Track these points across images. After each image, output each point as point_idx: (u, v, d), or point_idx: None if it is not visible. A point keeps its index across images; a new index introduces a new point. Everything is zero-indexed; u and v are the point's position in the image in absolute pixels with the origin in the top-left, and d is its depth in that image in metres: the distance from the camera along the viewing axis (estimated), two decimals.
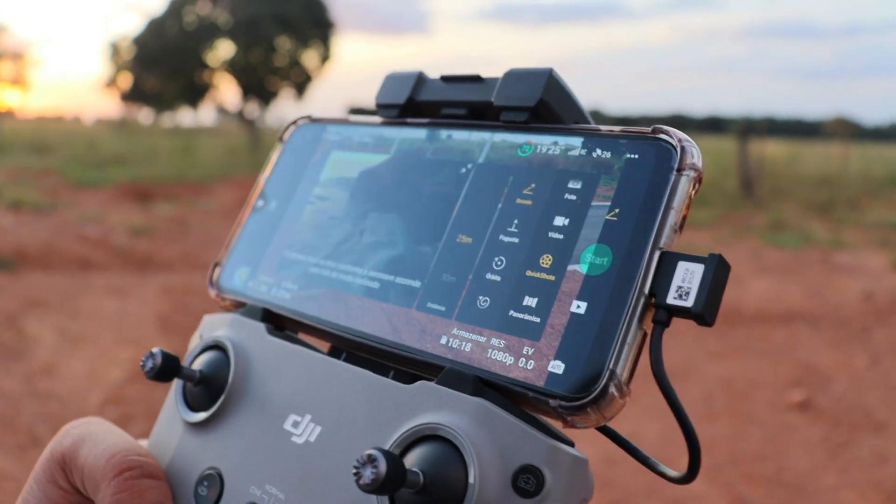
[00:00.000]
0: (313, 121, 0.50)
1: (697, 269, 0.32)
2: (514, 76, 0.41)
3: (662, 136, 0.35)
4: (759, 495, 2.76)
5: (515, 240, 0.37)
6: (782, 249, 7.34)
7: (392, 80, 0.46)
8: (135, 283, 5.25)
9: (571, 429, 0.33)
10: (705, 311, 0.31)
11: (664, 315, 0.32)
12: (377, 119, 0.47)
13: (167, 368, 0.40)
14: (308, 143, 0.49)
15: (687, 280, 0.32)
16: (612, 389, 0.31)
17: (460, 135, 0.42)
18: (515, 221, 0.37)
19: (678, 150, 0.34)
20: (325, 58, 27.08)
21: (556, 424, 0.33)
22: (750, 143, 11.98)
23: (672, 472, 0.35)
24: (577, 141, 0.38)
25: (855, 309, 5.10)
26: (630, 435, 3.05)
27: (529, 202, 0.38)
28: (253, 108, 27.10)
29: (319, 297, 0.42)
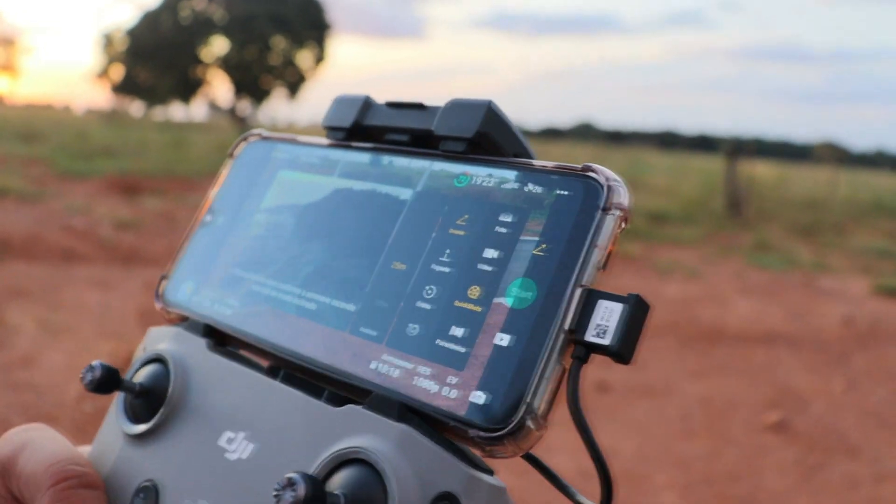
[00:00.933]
0: (264, 138, 0.51)
1: (616, 308, 0.33)
2: (454, 106, 0.42)
3: (591, 174, 0.36)
4: None
5: (447, 269, 0.38)
6: (766, 270, 7.40)
7: (340, 103, 0.47)
8: (119, 276, 5.23)
9: (491, 458, 0.34)
10: (622, 350, 0.32)
11: (582, 351, 0.33)
12: (324, 140, 0.47)
13: (107, 381, 0.40)
14: (257, 161, 0.50)
15: (605, 318, 0.33)
16: (529, 422, 0.32)
17: (401, 161, 0.43)
18: (448, 251, 0.38)
19: (605, 188, 0.35)
20: (319, 59, 27.08)
21: (478, 452, 0.34)
22: (738, 164, 12.06)
23: (587, 502, 0.36)
24: (511, 174, 0.39)
25: (835, 333, 5.15)
26: (608, 449, 3.05)
27: (463, 232, 0.38)
28: (245, 106, 27.04)
29: (260, 315, 0.43)
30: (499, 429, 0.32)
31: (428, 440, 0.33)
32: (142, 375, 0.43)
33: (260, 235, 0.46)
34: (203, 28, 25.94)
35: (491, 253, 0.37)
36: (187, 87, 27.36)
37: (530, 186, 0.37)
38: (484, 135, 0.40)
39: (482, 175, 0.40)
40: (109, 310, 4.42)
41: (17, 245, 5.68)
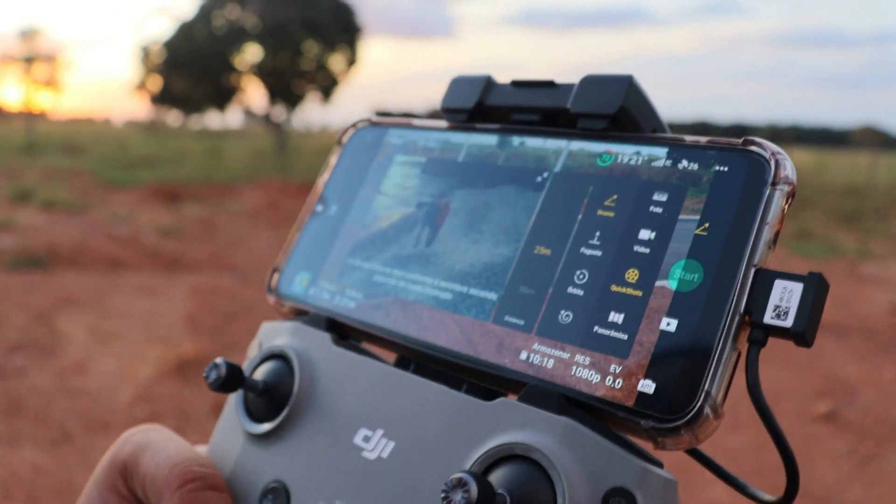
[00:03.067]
0: (373, 124, 0.49)
1: (796, 288, 0.31)
2: (591, 82, 0.40)
3: (754, 148, 0.34)
4: None
5: (598, 253, 0.36)
6: (808, 259, 7.28)
7: (459, 84, 0.45)
8: (163, 282, 5.32)
9: (660, 450, 0.32)
10: (805, 331, 0.30)
11: (760, 334, 0.31)
12: (443, 123, 0.45)
13: (231, 379, 0.39)
14: (368, 147, 0.48)
15: (785, 299, 0.31)
16: (707, 411, 0.30)
17: (534, 142, 0.41)
18: (597, 234, 0.36)
19: (772, 163, 0.33)
20: (351, 62, 27.20)
21: (645, 445, 0.32)
22: None
23: (766, 496, 0.34)
24: (661, 151, 0.37)
25: (882, 320, 5.05)
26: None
27: (612, 214, 0.36)
28: (280, 112, 27.28)
29: (386, 307, 0.41)
30: (675, 418, 0.30)
31: (594, 433, 0.31)
32: (262, 373, 0.42)
33: (381, 224, 0.44)
34: (237, 36, 26.23)
35: (647, 234, 0.35)
36: (222, 95, 27.68)
37: (684, 163, 0.35)
38: (625, 111, 0.38)
39: (628, 153, 0.37)
40: (156, 316, 4.50)
41: (65, 254, 5.81)
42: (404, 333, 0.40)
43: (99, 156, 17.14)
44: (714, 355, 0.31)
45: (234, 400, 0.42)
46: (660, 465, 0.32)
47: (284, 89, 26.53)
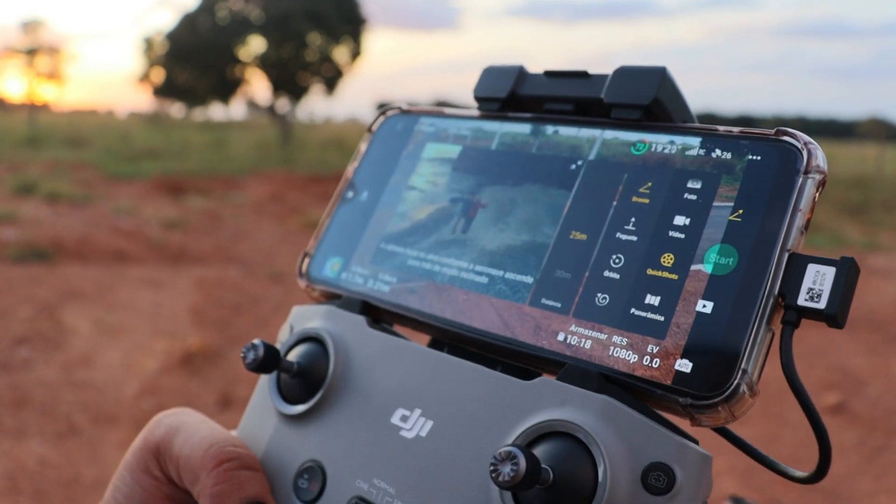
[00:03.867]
0: (404, 112, 0.49)
1: (829, 272, 0.32)
2: (625, 73, 0.41)
3: (787, 138, 0.35)
4: (794, 499, 2.73)
5: (633, 238, 0.37)
6: (816, 251, 7.24)
7: (491, 74, 0.46)
8: (169, 275, 5.32)
9: (696, 427, 0.33)
10: (838, 313, 0.31)
11: (794, 316, 0.32)
12: (474, 112, 0.46)
13: (268, 360, 0.39)
14: (399, 135, 0.48)
15: (818, 282, 0.32)
16: (744, 388, 0.31)
17: (567, 131, 0.42)
18: (633, 219, 0.37)
19: (804, 152, 0.34)
20: (355, 53, 27.16)
21: (681, 423, 0.33)
22: None
23: (797, 472, 0.35)
24: (694, 140, 0.38)
25: (890, 312, 5.03)
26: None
27: (646, 200, 0.37)
28: (283, 103, 27.27)
29: (421, 290, 0.42)
30: (713, 395, 0.31)
31: (632, 410, 0.32)
32: (296, 355, 0.42)
33: (412, 209, 0.45)
34: (240, 28, 26.19)
35: (681, 220, 0.36)
36: (226, 87, 27.67)
37: (718, 152, 0.37)
38: (658, 102, 0.39)
39: (662, 142, 0.39)
40: (161, 308, 4.50)
41: (70, 247, 5.81)
42: (440, 315, 0.40)
43: (102, 148, 17.15)
44: (749, 335, 0.32)
45: (266, 382, 0.43)
46: (696, 441, 0.33)
47: (288, 81, 26.50)
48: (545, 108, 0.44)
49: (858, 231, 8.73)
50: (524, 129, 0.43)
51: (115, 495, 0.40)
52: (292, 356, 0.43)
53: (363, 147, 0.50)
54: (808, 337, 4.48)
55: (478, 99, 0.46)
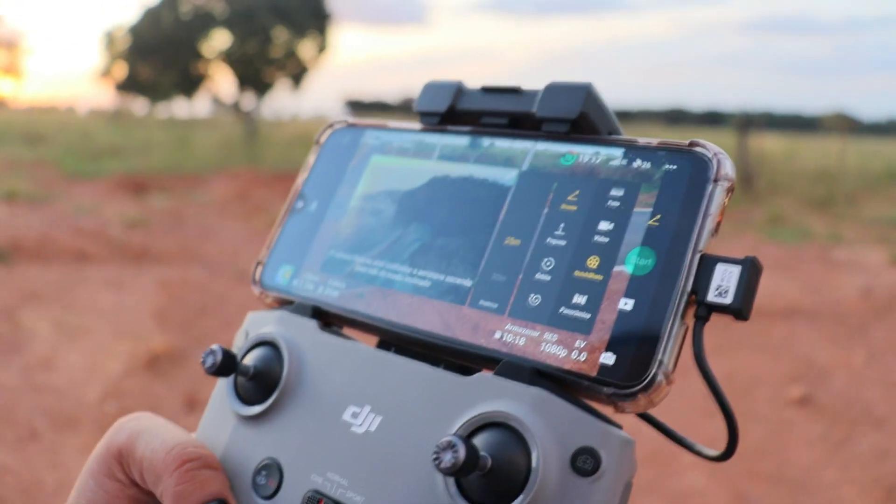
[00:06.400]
0: (350, 124, 0.52)
1: (735, 270, 0.35)
2: (554, 89, 0.44)
3: (699, 149, 0.39)
4: (760, 491, 2.76)
5: (563, 242, 0.40)
6: (781, 244, 7.35)
7: (432, 89, 0.49)
8: (131, 275, 5.22)
9: (620, 413, 0.36)
10: (742, 307, 0.35)
11: (705, 311, 0.35)
12: (417, 125, 0.49)
13: (226, 364, 0.42)
14: (346, 147, 0.51)
15: (726, 280, 0.35)
16: (661, 377, 0.34)
17: (503, 143, 0.45)
18: (562, 225, 0.40)
19: (714, 162, 0.38)
20: (321, 49, 26.99)
21: (605, 410, 0.36)
22: (749, 138, 11.98)
23: (709, 451, 0.39)
24: (618, 152, 0.41)
25: (853, 305, 5.11)
26: (631, 431, 3.05)
27: (574, 208, 0.40)
28: (249, 100, 27.01)
29: (368, 295, 0.44)
30: (633, 385, 0.35)
31: (562, 400, 0.35)
32: (252, 359, 0.45)
33: (359, 219, 0.47)
34: (204, 22, 25.87)
35: (605, 225, 0.39)
36: (190, 83, 27.33)
37: (638, 162, 0.40)
38: (585, 116, 0.43)
39: (588, 153, 0.42)
40: (124, 310, 4.42)
41: (29, 248, 5.69)
42: (386, 318, 0.43)
43: (62, 145, 16.84)
44: (665, 329, 0.35)
45: (224, 385, 0.45)
46: (619, 427, 0.36)
47: (253, 77, 26.27)
48: (482, 122, 0.47)
49: (823, 224, 8.87)
50: (463, 141, 0.46)
51: (78, 501, 0.41)
52: (248, 360, 0.45)
53: (312, 159, 0.52)
54: (773, 331, 4.53)
55: (419, 113, 0.49)
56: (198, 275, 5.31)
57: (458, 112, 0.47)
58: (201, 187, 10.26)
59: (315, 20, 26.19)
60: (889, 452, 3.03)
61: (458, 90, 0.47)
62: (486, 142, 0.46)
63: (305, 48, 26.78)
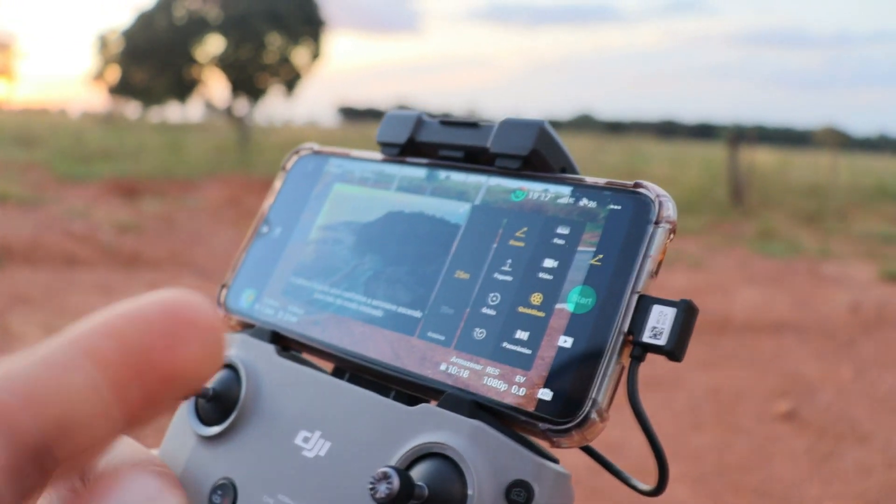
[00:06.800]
0: (315, 152, 0.53)
1: (669, 312, 0.36)
2: (508, 125, 0.45)
3: (642, 190, 0.39)
4: None
5: (509, 278, 0.41)
6: (770, 258, 7.38)
7: (393, 120, 0.50)
8: (121, 280, 5.21)
9: (556, 448, 0.37)
10: (675, 349, 0.35)
11: (640, 351, 0.36)
12: (378, 155, 0.50)
13: None
14: (310, 174, 0.52)
15: (661, 321, 0.36)
16: (594, 415, 0.35)
17: (458, 177, 0.46)
18: (509, 261, 0.41)
19: (656, 203, 0.38)
20: (315, 55, 27.02)
21: (544, 444, 0.37)
22: (740, 151, 12.03)
23: (642, 486, 0.39)
24: (566, 190, 0.42)
25: (842, 320, 5.14)
26: (618, 443, 3.08)
27: (522, 244, 0.41)
28: (242, 105, 26.99)
29: (324, 322, 0.46)
30: (567, 422, 0.35)
31: (499, 434, 0.36)
32: (212, 381, 0.45)
33: (319, 246, 0.49)
34: (198, 27, 25.87)
35: (550, 263, 0.40)
36: (183, 88, 27.30)
37: (585, 201, 0.41)
38: (536, 152, 0.43)
39: (538, 190, 0.43)
40: None
41: (19, 251, 5.67)
42: (340, 346, 0.44)
43: (54, 148, 16.79)
44: (601, 368, 0.36)
45: (185, 406, 0.46)
46: (555, 461, 0.36)
47: (247, 82, 26.27)
48: (440, 154, 0.48)
49: (813, 239, 8.92)
50: (420, 173, 0.48)
51: None
52: (209, 382, 0.45)
53: (277, 184, 0.53)
54: (761, 345, 4.55)
55: (380, 143, 0.50)
56: (188, 281, 5.30)
57: (417, 143, 0.48)
58: (193, 192, 10.24)
59: (309, 27, 26.23)
60: (873, 468, 3.05)
61: (418, 121, 0.48)
62: (442, 174, 0.47)
63: (299, 54, 26.81)
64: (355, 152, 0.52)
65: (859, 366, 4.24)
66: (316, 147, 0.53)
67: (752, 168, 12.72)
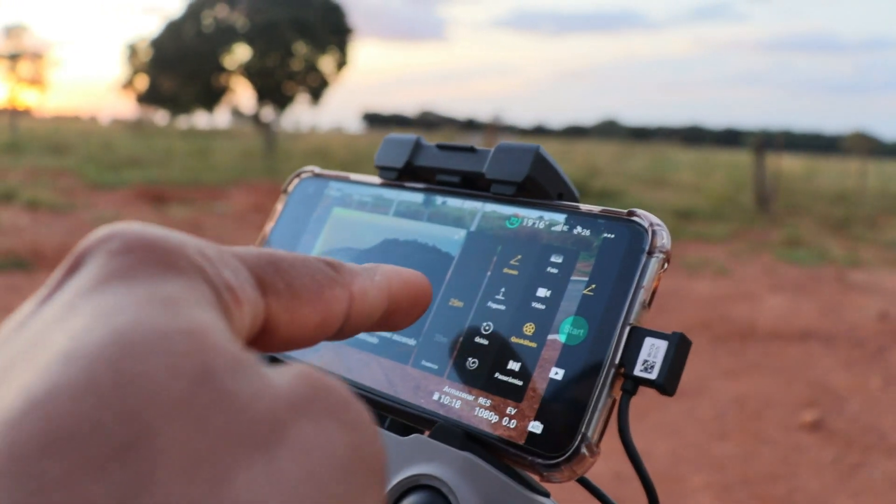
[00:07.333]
0: (316, 175, 0.53)
1: (662, 345, 0.35)
2: (503, 150, 0.44)
3: (636, 218, 0.39)
4: None
5: (502, 307, 0.40)
6: (797, 266, 7.30)
7: (391, 144, 0.49)
8: None
9: (547, 482, 0.37)
10: (667, 383, 0.35)
11: (631, 385, 0.36)
12: (376, 180, 0.50)
13: None
14: (310, 197, 0.52)
15: (652, 354, 0.35)
16: (584, 450, 0.35)
17: (454, 202, 0.46)
18: (503, 290, 0.41)
19: (649, 233, 0.38)
20: (341, 63, 27.19)
21: (535, 477, 0.37)
22: (766, 158, 11.91)
23: None
24: (560, 217, 0.41)
25: (870, 328, 5.06)
26: (643, 451, 3.02)
27: (516, 272, 0.41)
28: (268, 112, 27.21)
29: (322, 349, 0.45)
30: (556, 456, 0.35)
31: (490, 467, 0.36)
32: None
33: None
34: (225, 36, 26.15)
35: (543, 292, 0.40)
36: (211, 95, 27.60)
37: (579, 229, 0.40)
38: (531, 179, 0.43)
39: (533, 217, 0.42)
40: None
41: (50, 256, 5.76)
42: (335, 373, 0.44)
43: (84, 155, 17.03)
44: (592, 402, 0.35)
45: None
46: (546, 494, 0.37)
47: (273, 90, 26.48)
48: (437, 179, 0.47)
49: (841, 246, 8.80)
50: (417, 198, 0.47)
51: None
52: None
53: (279, 207, 0.53)
54: (788, 353, 4.50)
55: (378, 167, 0.50)
56: None
57: (414, 168, 0.48)
58: (220, 198, 10.34)
59: (335, 35, 26.40)
60: None
61: (416, 145, 0.48)
62: (438, 200, 0.46)
63: (325, 62, 26.98)
64: (355, 176, 0.51)
65: (888, 375, 4.17)
66: (317, 170, 0.53)
67: (778, 174, 12.58)
